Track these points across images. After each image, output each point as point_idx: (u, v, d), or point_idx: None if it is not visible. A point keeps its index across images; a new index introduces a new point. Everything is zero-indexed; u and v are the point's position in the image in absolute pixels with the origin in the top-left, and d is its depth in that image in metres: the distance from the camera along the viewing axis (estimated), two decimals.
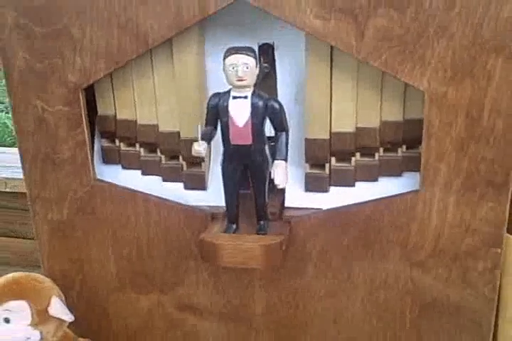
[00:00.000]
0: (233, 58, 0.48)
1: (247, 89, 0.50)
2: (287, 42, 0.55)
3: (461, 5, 0.46)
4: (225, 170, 0.53)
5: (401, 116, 0.53)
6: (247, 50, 0.48)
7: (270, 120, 0.51)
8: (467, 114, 0.49)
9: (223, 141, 0.51)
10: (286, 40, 0.55)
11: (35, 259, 1.06)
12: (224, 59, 0.49)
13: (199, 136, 0.50)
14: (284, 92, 0.57)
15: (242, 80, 0.48)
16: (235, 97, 0.50)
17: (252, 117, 0.50)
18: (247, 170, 0.52)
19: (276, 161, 0.50)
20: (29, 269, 1.05)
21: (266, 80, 0.57)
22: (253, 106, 0.50)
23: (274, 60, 0.56)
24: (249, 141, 0.50)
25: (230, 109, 0.50)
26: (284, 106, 0.51)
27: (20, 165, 0.59)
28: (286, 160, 0.51)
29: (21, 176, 0.60)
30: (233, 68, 0.48)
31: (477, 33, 0.46)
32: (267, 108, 0.50)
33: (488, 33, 0.46)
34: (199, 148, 0.49)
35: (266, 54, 0.56)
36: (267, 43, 0.56)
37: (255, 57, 0.49)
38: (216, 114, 0.51)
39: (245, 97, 0.50)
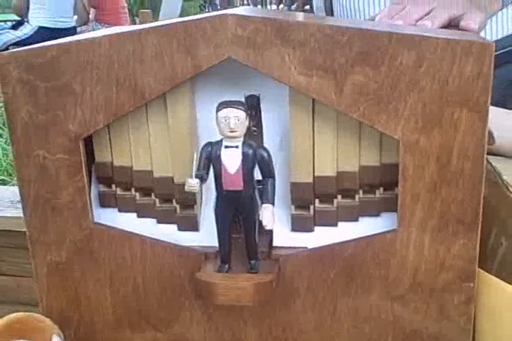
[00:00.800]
0: (226, 112, 0.53)
1: (238, 139, 0.54)
2: (272, 94, 0.59)
3: (428, 63, 0.51)
4: (218, 213, 0.57)
5: (378, 161, 0.58)
6: (238, 105, 0.53)
7: (259, 167, 0.55)
8: (438, 159, 0.54)
9: (216, 186, 0.56)
10: (272, 92, 0.59)
11: (14, 296, 1.08)
12: (217, 112, 0.53)
13: (194, 163, 0.54)
14: (270, 139, 0.62)
15: (233, 131, 0.53)
16: (227, 147, 0.54)
17: (243, 165, 0.54)
18: (238, 213, 0.56)
19: (264, 205, 0.55)
20: (8, 305, 1.08)
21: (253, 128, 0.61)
22: (244, 155, 0.54)
23: (259, 110, 0.61)
24: (240, 187, 0.55)
25: (223, 157, 0.54)
26: (271, 152, 0.56)
27: None
28: (273, 203, 0.55)
29: None
30: (226, 120, 0.53)
31: (443, 88, 0.52)
32: (256, 156, 0.55)
33: (453, 88, 0.52)
34: (193, 182, 0.53)
35: (252, 104, 0.61)
36: (253, 95, 0.61)
37: (245, 111, 0.53)
38: (209, 161, 0.55)
39: (236, 147, 0.54)
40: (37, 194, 0.61)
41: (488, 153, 0.71)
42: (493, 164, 0.74)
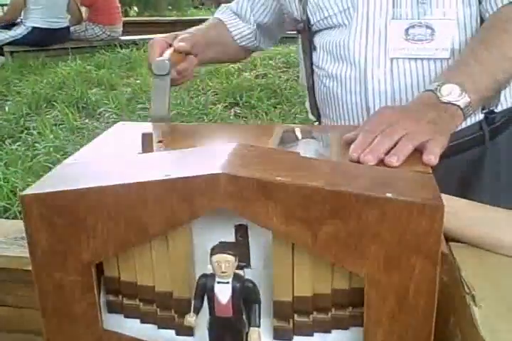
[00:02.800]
0: (218, 257, 0.63)
1: (229, 276, 0.64)
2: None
3: (389, 220, 0.61)
4: (211, 332, 0.67)
5: (348, 285, 0.68)
6: (229, 249, 0.63)
7: (246, 296, 0.65)
8: (396, 294, 0.64)
9: (209, 311, 0.66)
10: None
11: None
12: (211, 255, 0.63)
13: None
14: (256, 259, 0.71)
15: (224, 273, 0.63)
16: (219, 282, 0.64)
17: (233, 297, 0.64)
18: (229, 332, 0.67)
19: (251, 328, 0.65)
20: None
21: (241, 250, 0.71)
22: (233, 289, 0.64)
23: (247, 237, 0.71)
24: (230, 314, 0.65)
25: (216, 290, 0.64)
26: (256, 272, 0.66)
27: None
28: (259, 326, 0.65)
29: None
30: (218, 264, 0.63)
31: (402, 238, 0.62)
32: (244, 287, 0.65)
33: (410, 239, 0.62)
34: (191, 319, 0.64)
35: (241, 232, 0.70)
36: (242, 224, 0.70)
37: (235, 255, 0.63)
38: (204, 291, 0.65)
39: (227, 282, 0.64)
40: (54, 306, 0.71)
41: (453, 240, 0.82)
42: (455, 255, 0.84)
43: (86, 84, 4.31)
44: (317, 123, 1.20)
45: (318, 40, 1.11)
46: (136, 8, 11.40)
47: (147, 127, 0.92)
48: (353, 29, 1.03)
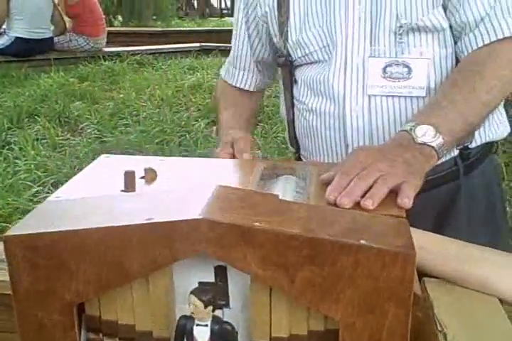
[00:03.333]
0: (195, 301, 0.64)
1: (207, 319, 0.66)
2: None
3: (363, 267, 0.63)
4: None
5: (323, 326, 0.70)
6: (204, 295, 0.65)
7: (224, 338, 0.67)
8: (370, 337, 0.66)
9: None
10: None
11: None
12: (189, 297, 0.65)
13: None
14: (235, 302, 0.73)
15: (197, 315, 0.65)
16: (197, 325, 0.66)
17: (211, 339, 0.66)
18: None
19: None
20: None
21: (220, 290, 0.73)
22: (212, 332, 0.66)
23: (226, 277, 0.73)
24: None
25: (195, 332, 0.66)
26: (234, 313, 0.67)
27: None
28: None
29: None
30: (195, 307, 0.64)
31: (375, 285, 0.64)
32: (223, 329, 0.66)
33: (383, 286, 0.64)
34: None
35: (220, 273, 0.72)
36: (221, 265, 0.72)
37: (210, 302, 0.65)
38: (183, 333, 0.67)
39: (206, 325, 0.66)
40: None
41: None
42: (429, 291, 0.87)
43: (68, 97, 4.32)
44: (296, 154, 1.22)
45: (299, 74, 1.14)
46: (120, 18, 11.43)
47: (130, 161, 0.94)
48: (332, 65, 1.06)
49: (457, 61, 1.03)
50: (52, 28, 5.90)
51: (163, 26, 10.24)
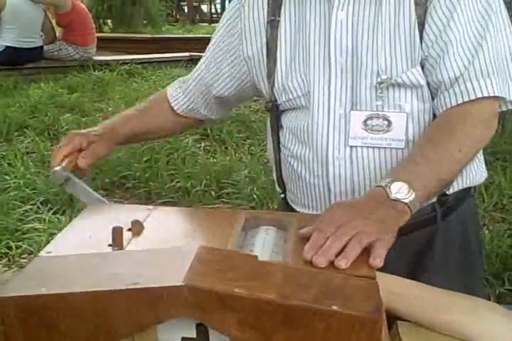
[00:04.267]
0: None
1: None
2: None
3: (333, 330, 0.68)
4: None
5: None
6: None
7: None
8: None
9: None
10: None
11: None
12: None
13: None
14: None
15: None
16: None
17: None
18: None
19: None
20: None
21: None
22: None
23: (207, 334, 0.77)
24: None
25: None
26: None
27: None
28: None
29: None
30: None
31: None
32: None
33: None
34: None
35: (201, 330, 0.77)
36: (202, 323, 0.77)
37: None
38: None
39: None
40: None
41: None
42: (401, 335, 0.92)
43: (58, 109, 4.35)
44: (283, 195, 1.27)
45: (284, 120, 1.19)
46: (110, 24, 11.45)
47: (117, 211, 0.98)
48: (315, 115, 1.12)
49: (434, 115, 1.09)
50: (42, 36, 5.92)
51: (153, 32, 10.27)
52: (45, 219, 2.41)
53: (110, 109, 4.42)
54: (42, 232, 2.33)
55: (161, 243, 0.89)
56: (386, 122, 1.07)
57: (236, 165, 2.76)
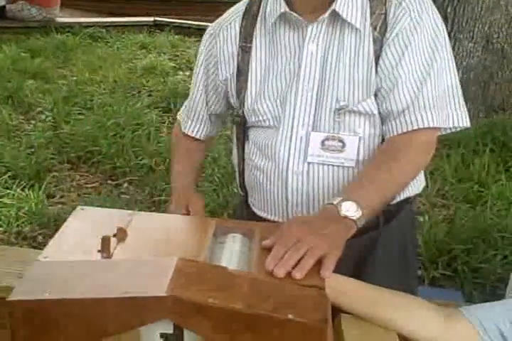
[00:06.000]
0: None
1: None
2: None
3: (289, 334, 0.84)
4: None
5: None
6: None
7: None
8: None
9: None
10: None
11: None
12: None
13: None
14: None
15: None
16: None
17: None
18: None
19: None
20: None
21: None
22: None
23: (182, 331, 0.92)
24: None
25: None
26: None
27: None
28: None
29: None
30: None
31: None
32: None
33: None
34: None
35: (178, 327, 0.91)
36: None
37: None
38: None
39: None
40: None
41: None
42: (343, 327, 1.08)
43: (21, 74, 4.35)
44: (244, 198, 1.42)
45: (250, 134, 1.33)
46: None
47: (103, 215, 1.12)
48: (280, 134, 1.26)
49: (383, 139, 1.24)
50: None
51: None
52: (13, 195, 2.50)
53: (74, 77, 4.44)
54: (10, 207, 2.43)
55: (143, 249, 1.03)
56: (341, 143, 1.23)
57: None
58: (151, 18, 6.82)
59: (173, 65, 4.89)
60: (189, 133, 1.47)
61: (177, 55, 5.43)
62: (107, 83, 4.34)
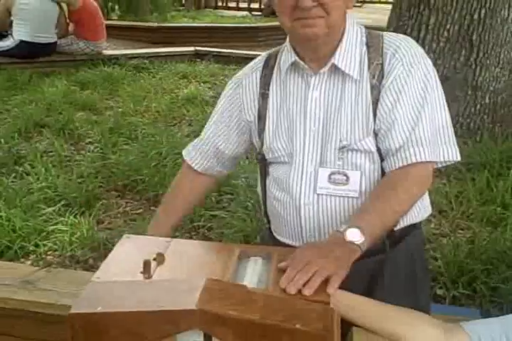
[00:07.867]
0: None
1: None
2: None
3: None
4: None
5: None
6: None
7: None
8: None
9: None
10: None
11: None
12: None
13: None
14: None
15: None
16: None
17: None
18: None
19: None
20: None
21: None
22: None
23: (211, 338, 1.11)
24: None
25: None
26: None
27: None
28: None
29: None
30: None
31: None
32: None
33: None
34: None
35: (207, 336, 1.10)
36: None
37: None
38: None
39: None
40: None
41: None
42: (354, 339, 1.24)
43: (72, 106, 4.66)
44: (268, 226, 1.61)
45: (270, 169, 1.53)
46: (118, 11, 11.65)
47: (146, 243, 1.32)
48: (292, 170, 1.46)
49: (383, 172, 1.42)
50: (56, 31, 6.17)
51: (158, 19, 10.47)
52: (67, 221, 2.75)
53: (120, 108, 4.73)
54: (65, 233, 2.67)
55: (178, 271, 1.23)
56: (345, 177, 1.41)
57: (235, 172, 3.08)
58: (192, 48, 7.15)
59: (212, 94, 5.14)
60: (187, 160, 1.67)
61: (215, 84, 5.70)
62: (150, 113, 4.61)
